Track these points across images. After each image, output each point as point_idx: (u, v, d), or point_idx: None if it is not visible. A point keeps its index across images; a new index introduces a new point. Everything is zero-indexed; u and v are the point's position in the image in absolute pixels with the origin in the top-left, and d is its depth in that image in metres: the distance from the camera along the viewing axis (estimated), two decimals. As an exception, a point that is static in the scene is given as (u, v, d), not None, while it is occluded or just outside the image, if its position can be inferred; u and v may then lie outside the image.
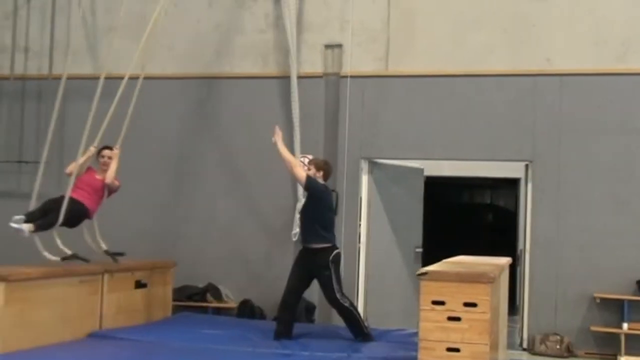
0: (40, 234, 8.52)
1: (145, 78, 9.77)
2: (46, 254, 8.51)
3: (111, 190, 9.10)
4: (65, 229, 8.77)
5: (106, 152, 9.10)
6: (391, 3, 10.72)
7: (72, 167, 8.93)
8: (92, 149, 9.08)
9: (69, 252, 8.64)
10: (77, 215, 8.77)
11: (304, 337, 8.74)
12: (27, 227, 8.32)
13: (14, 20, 11.91)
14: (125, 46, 11.44)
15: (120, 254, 9.10)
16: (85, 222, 9.00)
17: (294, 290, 8.69)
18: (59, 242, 8.63)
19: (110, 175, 8.97)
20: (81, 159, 8.93)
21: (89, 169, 9.12)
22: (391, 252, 11.14)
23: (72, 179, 8.79)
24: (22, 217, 8.37)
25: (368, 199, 10.82)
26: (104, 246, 9.11)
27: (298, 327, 9.02)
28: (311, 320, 10.29)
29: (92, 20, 11.75)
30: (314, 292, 10.44)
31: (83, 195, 8.83)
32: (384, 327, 9.57)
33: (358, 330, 8.63)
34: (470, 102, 10.40)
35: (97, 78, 11.51)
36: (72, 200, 8.68)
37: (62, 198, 8.62)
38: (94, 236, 9.11)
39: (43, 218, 8.51)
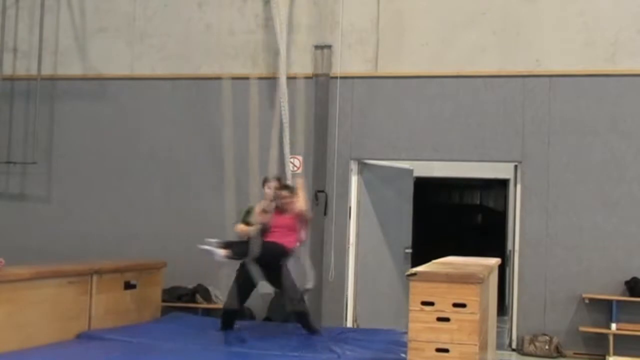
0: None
1: (135, 79, 9.73)
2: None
3: (306, 220, 8.85)
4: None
5: (283, 193, 8.80)
6: (381, 4, 10.72)
7: (260, 217, 8.65)
8: (269, 192, 8.86)
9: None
10: (274, 253, 8.50)
11: (294, 337, 8.73)
12: (220, 252, 8.26)
13: (2, 21, 11.86)
14: (115, 47, 11.48)
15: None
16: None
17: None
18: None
19: (301, 206, 8.71)
20: (262, 205, 8.73)
21: (274, 214, 8.79)
22: (381, 253, 11.14)
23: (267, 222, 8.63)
24: (215, 240, 8.29)
25: (358, 199, 10.82)
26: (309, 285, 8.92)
27: (290, 328, 9.02)
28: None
29: (81, 21, 11.72)
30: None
31: (278, 237, 8.61)
32: (374, 328, 9.58)
33: None
34: (460, 103, 10.42)
35: (86, 79, 11.57)
36: (266, 241, 8.47)
37: (257, 239, 8.39)
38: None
39: (236, 247, 8.37)
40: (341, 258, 10.54)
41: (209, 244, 8.31)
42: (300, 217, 8.81)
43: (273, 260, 8.53)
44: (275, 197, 8.86)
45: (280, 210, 8.84)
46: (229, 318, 9.05)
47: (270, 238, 8.62)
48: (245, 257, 8.37)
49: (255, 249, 8.28)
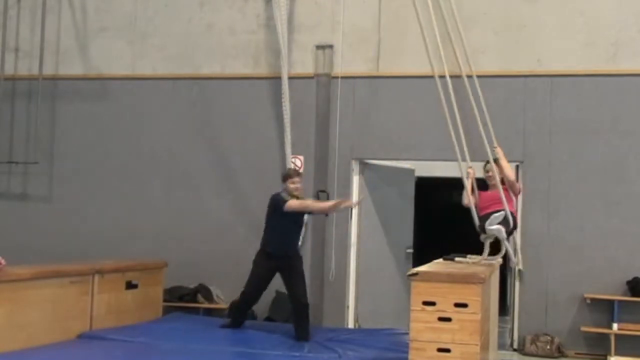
0: None
1: (136, 78, 9.73)
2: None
3: (515, 191, 8.51)
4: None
5: (489, 166, 8.46)
6: (382, 4, 10.72)
7: (467, 200, 8.41)
8: (470, 170, 8.56)
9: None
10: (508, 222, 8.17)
11: (295, 337, 8.74)
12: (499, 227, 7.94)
13: (3, 20, 11.87)
14: (116, 46, 11.48)
15: None
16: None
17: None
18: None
19: (508, 172, 8.36)
20: (468, 186, 8.44)
21: (480, 193, 8.56)
22: (382, 253, 11.14)
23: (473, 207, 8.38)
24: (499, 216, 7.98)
25: (359, 199, 10.81)
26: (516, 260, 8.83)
27: (290, 328, 9.03)
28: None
29: (83, 21, 11.72)
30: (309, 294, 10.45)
31: (487, 208, 8.30)
32: (375, 328, 9.58)
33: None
34: (461, 103, 10.39)
35: (87, 79, 11.57)
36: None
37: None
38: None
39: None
40: (342, 258, 10.54)
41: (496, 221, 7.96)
42: (512, 186, 8.42)
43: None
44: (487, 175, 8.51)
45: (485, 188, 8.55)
46: (240, 313, 9.23)
47: (488, 210, 8.22)
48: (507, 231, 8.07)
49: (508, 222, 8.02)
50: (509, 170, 8.50)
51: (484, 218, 8.13)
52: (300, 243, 9.63)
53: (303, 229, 9.68)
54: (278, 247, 8.89)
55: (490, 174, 8.42)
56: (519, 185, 8.84)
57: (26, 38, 11.89)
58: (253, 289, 9.08)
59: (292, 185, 8.87)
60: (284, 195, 8.84)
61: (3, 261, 7.53)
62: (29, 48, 11.86)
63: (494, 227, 7.93)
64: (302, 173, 9.62)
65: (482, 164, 8.61)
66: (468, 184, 8.41)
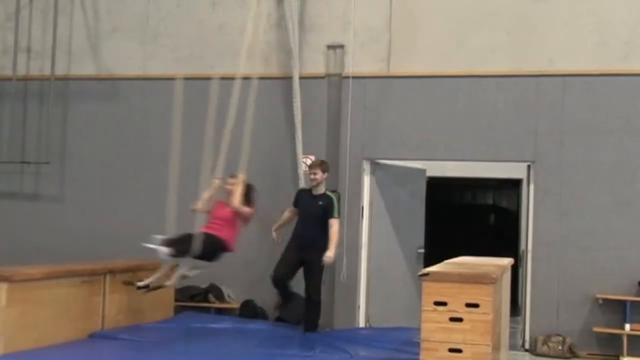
0: None
1: (148, 79, 9.74)
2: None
3: (244, 217, 8.94)
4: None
5: (230, 180, 8.93)
6: (393, 4, 10.71)
7: (199, 205, 8.87)
8: (216, 181, 8.94)
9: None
10: (214, 248, 8.71)
11: (306, 338, 8.75)
12: (165, 250, 8.32)
13: (16, 21, 11.92)
14: (128, 47, 11.51)
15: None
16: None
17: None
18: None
19: (234, 202, 8.78)
20: (205, 194, 8.87)
21: (219, 202, 9.00)
22: (393, 253, 11.13)
23: (205, 214, 8.86)
24: (161, 238, 8.34)
25: (370, 199, 10.81)
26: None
27: (300, 328, 9.04)
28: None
29: (94, 21, 11.76)
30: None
31: (215, 229, 8.75)
32: (386, 328, 9.57)
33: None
34: (473, 103, 10.40)
35: (99, 79, 11.61)
36: (207, 235, 8.62)
37: (200, 234, 8.53)
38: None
39: (179, 245, 8.43)
40: (354, 258, 10.53)
41: (154, 241, 8.32)
42: (239, 213, 8.87)
43: (212, 256, 8.77)
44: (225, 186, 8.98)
45: (225, 201, 8.96)
46: (280, 288, 9.31)
47: (208, 229, 8.73)
48: (187, 254, 8.48)
49: (197, 246, 8.40)
50: (237, 198, 8.83)
51: (202, 235, 8.51)
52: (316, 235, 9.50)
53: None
54: (295, 233, 9.44)
55: (229, 187, 8.87)
56: (248, 210, 9.01)
57: (38, 38, 11.94)
58: (280, 260, 9.31)
59: (310, 176, 9.33)
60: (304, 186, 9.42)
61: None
62: (41, 48, 11.90)
63: (151, 245, 8.28)
64: (321, 163, 9.53)
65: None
66: (207, 194, 8.86)
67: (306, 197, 9.49)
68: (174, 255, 8.42)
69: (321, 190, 9.41)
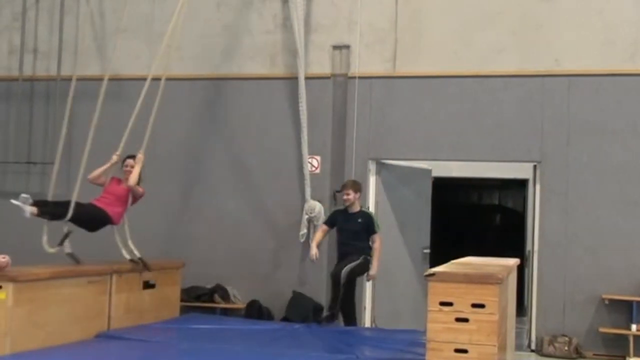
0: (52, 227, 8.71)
1: (153, 79, 9.75)
2: (46, 247, 8.73)
3: (135, 196, 9.19)
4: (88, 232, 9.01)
5: (129, 161, 9.21)
6: (399, 4, 10.71)
7: (94, 175, 9.20)
8: (115, 157, 9.25)
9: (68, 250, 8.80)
10: (97, 220, 8.97)
11: (311, 337, 8.74)
12: (30, 209, 8.42)
13: (22, 22, 11.95)
14: (134, 47, 11.51)
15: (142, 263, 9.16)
16: (116, 228, 9.15)
17: None
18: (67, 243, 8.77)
19: (132, 180, 9.03)
20: (103, 167, 9.20)
21: (114, 178, 9.26)
22: (399, 253, 11.13)
23: (102, 186, 9.17)
24: (28, 197, 8.48)
25: (376, 199, 10.81)
26: (137, 253, 9.18)
27: (307, 329, 9.04)
28: (318, 322, 10.28)
29: (101, 22, 11.78)
30: (321, 294, 10.46)
31: (104, 203, 9.02)
32: (392, 328, 9.57)
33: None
34: (478, 103, 10.39)
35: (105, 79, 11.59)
36: (94, 207, 8.94)
37: (84, 204, 8.85)
38: (125, 243, 9.18)
39: (52, 207, 8.65)
40: (359, 258, 10.52)
41: (22, 200, 8.40)
42: (133, 192, 9.08)
43: (91, 226, 8.94)
44: (122, 164, 9.21)
45: (120, 178, 9.20)
46: (336, 283, 9.33)
47: (99, 203, 8.99)
48: (59, 218, 8.63)
49: (70, 211, 8.56)
50: (135, 177, 9.04)
51: (87, 205, 8.80)
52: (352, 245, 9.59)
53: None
54: (337, 251, 9.71)
55: (127, 168, 9.13)
56: (142, 190, 9.23)
57: (44, 39, 11.96)
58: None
59: (343, 197, 9.62)
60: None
61: (8, 259, 7.50)
62: (47, 49, 11.93)
63: (16, 202, 8.39)
64: (353, 183, 9.71)
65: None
66: (106, 166, 9.22)
67: (343, 217, 9.67)
68: (38, 216, 8.56)
69: (356, 208, 9.63)
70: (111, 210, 9.00)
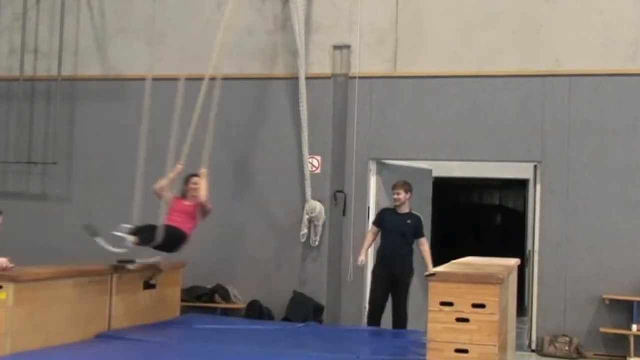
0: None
1: (154, 79, 9.75)
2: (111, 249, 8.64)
3: (205, 212, 9.07)
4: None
5: (194, 179, 9.04)
6: (399, 4, 10.71)
7: (161, 184, 8.99)
8: (180, 167, 9.07)
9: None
10: (177, 240, 8.82)
11: (312, 337, 8.75)
12: (132, 239, 8.37)
13: (23, 22, 11.95)
14: (135, 48, 11.52)
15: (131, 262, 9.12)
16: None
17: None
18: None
19: (203, 196, 8.91)
20: (169, 177, 8.99)
21: (176, 198, 9.07)
22: (400, 253, 11.10)
23: (166, 197, 8.97)
24: (128, 227, 8.41)
25: (377, 200, 10.82)
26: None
27: (307, 328, 9.03)
28: (320, 321, 10.30)
29: (101, 22, 11.78)
30: (322, 294, 10.47)
31: (179, 222, 8.86)
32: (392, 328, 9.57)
33: None
34: (479, 103, 10.39)
35: (106, 80, 11.62)
36: (174, 228, 8.75)
37: (163, 225, 8.65)
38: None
39: (145, 234, 8.52)
40: (360, 258, 10.53)
41: (122, 230, 8.38)
42: (203, 208, 8.99)
43: (173, 247, 8.85)
44: (186, 181, 9.08)
45: (183, 195, 9.07)
46: (374, 323, 9.42)
47: (174, 223, 8.83)
48: (151, 243, 8.56)
49: (159, 236, 8.48)
50: (205, 192, 8.94)
51: (165, 227, 8.58)
52: (404, 253, 9.50)
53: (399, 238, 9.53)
54: (381, 251, 9.52)
55: (195, 186, 8.97)
56: (211, 206, 9.11)
57: (45, 39, 11.97)
58: (376, 295, 9.46)
59: (393, 196, 9.52)
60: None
61: (8, 264, 7.50)
62: (48, 49, 11.93)
63: (119, 234, 8.34)
64: (404, 183, 9.54)
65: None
66: (172, 175, 9.01)
67: (392, 217, 9.54)
68: (138, 244, 8.50)
69: (406, 209, 9.53)
70: (186, 228, 8.87)
